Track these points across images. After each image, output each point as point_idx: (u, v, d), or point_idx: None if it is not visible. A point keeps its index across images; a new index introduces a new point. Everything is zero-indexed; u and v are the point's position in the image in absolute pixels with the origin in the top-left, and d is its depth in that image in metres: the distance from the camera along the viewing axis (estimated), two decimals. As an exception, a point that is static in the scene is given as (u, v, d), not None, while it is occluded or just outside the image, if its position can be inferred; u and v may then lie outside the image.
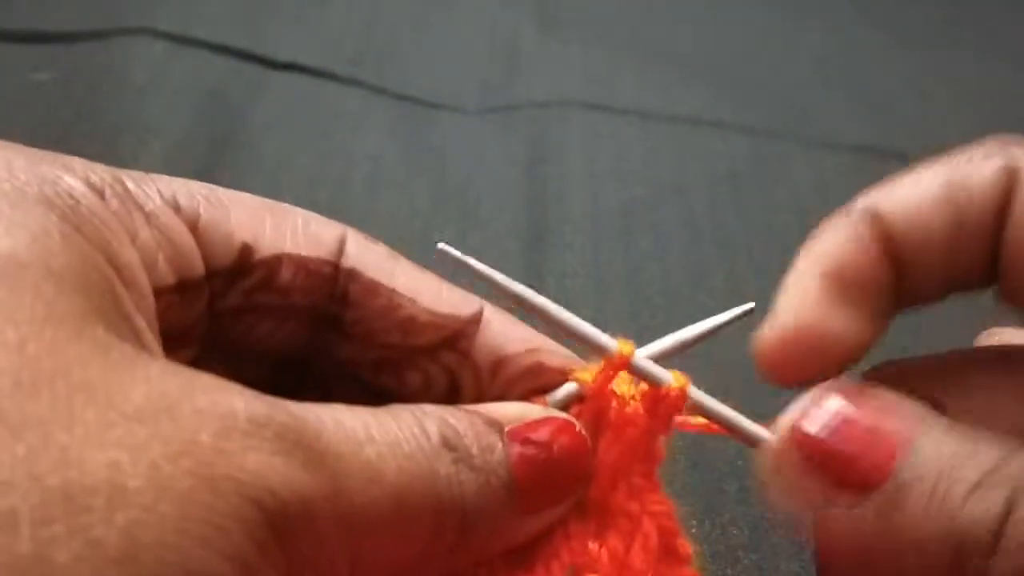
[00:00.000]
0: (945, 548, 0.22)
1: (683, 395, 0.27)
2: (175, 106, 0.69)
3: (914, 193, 0.27)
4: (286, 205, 0.27)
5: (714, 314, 0.30)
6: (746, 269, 0.64)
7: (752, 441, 0.27)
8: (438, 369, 0.28)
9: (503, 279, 0.27)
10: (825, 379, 0.26)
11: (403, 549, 0.22)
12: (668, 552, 0.27)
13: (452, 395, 0.28)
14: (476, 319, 0.28)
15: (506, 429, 0.25)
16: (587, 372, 0.28)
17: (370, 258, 0.27)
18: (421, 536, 0.22)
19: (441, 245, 0.27)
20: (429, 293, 0.28)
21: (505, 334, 0.28)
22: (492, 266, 0.28)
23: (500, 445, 0.24)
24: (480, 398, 0.28)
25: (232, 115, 0.70)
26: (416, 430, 0.22)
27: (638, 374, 0.27)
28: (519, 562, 0.26)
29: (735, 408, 0.28)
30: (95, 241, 0.21)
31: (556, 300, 0.29)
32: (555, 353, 0.29)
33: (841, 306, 0.27)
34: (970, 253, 0.26)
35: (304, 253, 0.26)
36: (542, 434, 0.25)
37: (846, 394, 0.25)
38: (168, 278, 0.24)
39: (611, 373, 0.27)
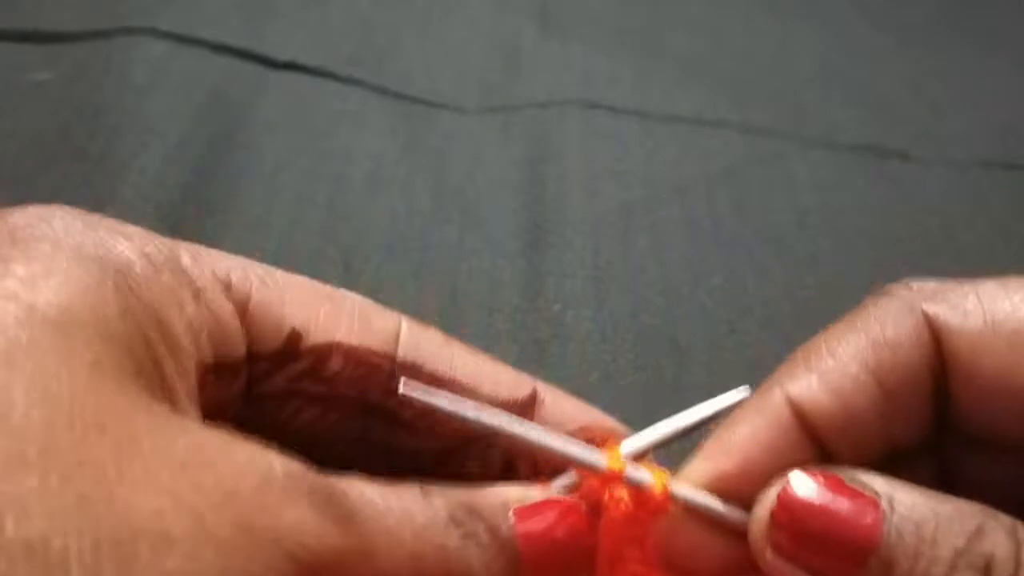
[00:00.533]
0: None
1: (665, 495, 0.27)
2: (176, 105, 0.69)
3: (835, 378, 0.25)
4: (344, 291, 0.27)
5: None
6: (745, 269, 0.64)
7: (742, 530, 0.26)
8: (496, 453, 0.29)
9: (476, 413, 0.26)
10: None
11: None
12: None
13: (507, 476, 0.29)
14: (532, 399, 0.29)
15: (512, 509, 0.25)
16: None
17: (427, 349, 0.28)
18: None
19: (403, 389, 0.25)
20: (487, 379, 0.28)
21: (557, 413, 0.29)
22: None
23: (506, 524, 0.24)
24: (534, 477, 0.28)
25: (232, 114, 0.70)
26: (424, 504, 0.23)
27: (631, 484, 0.27)
28: None
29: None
30: (145, 305, 0.22)
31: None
32: (607, 429, 0.29)
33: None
34: (907, 422, 0.26)
35: (356, 343, 0.26)
36: (548, 515, 0.25)
37: (813, 481, 0.24)
38: (207, 357, 0.24)
39: (603, 486, 0.27)
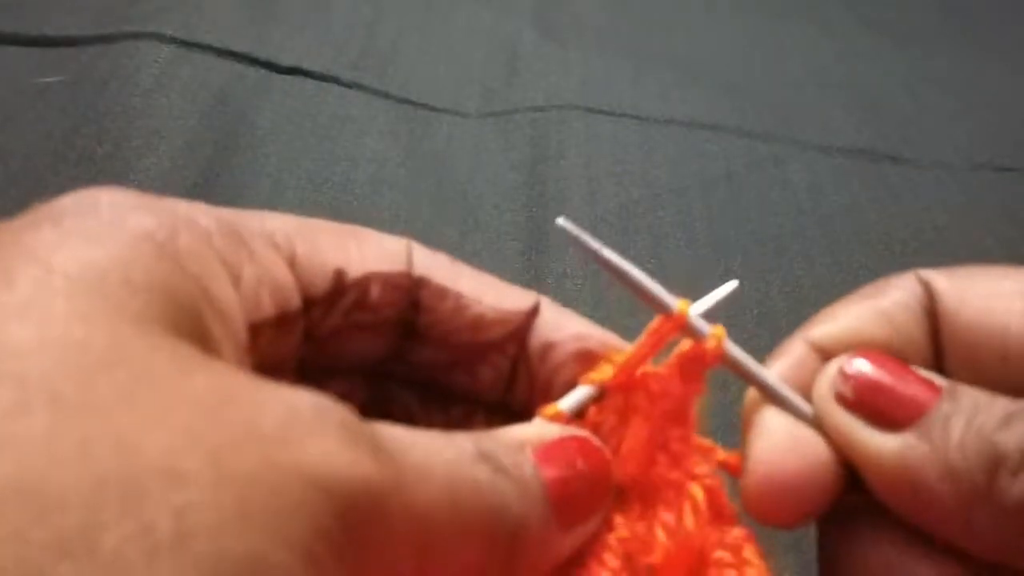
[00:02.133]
0: (982, 466, 0.24)
1: (719, 350, 0.28)
2: (181, 109, 0.69)
3: (848, 319, 0.29)
4: (357, 227, 0.29)
5: (710, 312, 0.31)
6: (742, 270, 0.65)
7: (780, 400, 0.28)
8: (504, 360, 0.30)
9: (599, 248, 0.28)
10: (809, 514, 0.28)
11: (461, 559, 0.22)
12: (717, 513, 0.27)
13: (510, 383, 0.30)
14: (535, 311, 0.30)
15: (530, 449, 0.25)
16: (600, 373, 0.28)
17: (435, 265, 0.29)
18: (476, 546, 0.22)
19: (560, 222, 0.28)
20: (491, 291, 0.29)
21: (555, 322, 0.30)
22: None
23: (529, 462, 0.24)
24: (531, 383, 0.30)
25: (237, 118, 0.70)
26: (448, 441, 0.23)
27: (690, 333, 0.29)
28: (569, 571, 0.26)
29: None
30: (189, 272, 0.22)
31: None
32: (604, 341, 0.30)
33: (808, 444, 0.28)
34: (913, 355, 0.28)
35: (386, 269, 0.28)
36: (566, 452, 0.26)
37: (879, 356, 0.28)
38: (269, 312, 0.25)
39: (663, 335, 0.29)
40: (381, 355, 0.29)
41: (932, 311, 0.28)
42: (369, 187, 0.67)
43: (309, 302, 0.26)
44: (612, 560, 0.26)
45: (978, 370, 0.27)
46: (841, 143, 0.78)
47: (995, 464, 0.24)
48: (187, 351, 0.19)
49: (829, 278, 0.65)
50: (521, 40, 0.86)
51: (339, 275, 0.27)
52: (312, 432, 0.18)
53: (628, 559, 0.26)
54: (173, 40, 0.74)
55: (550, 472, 0.25)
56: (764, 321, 0.60)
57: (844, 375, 0.27)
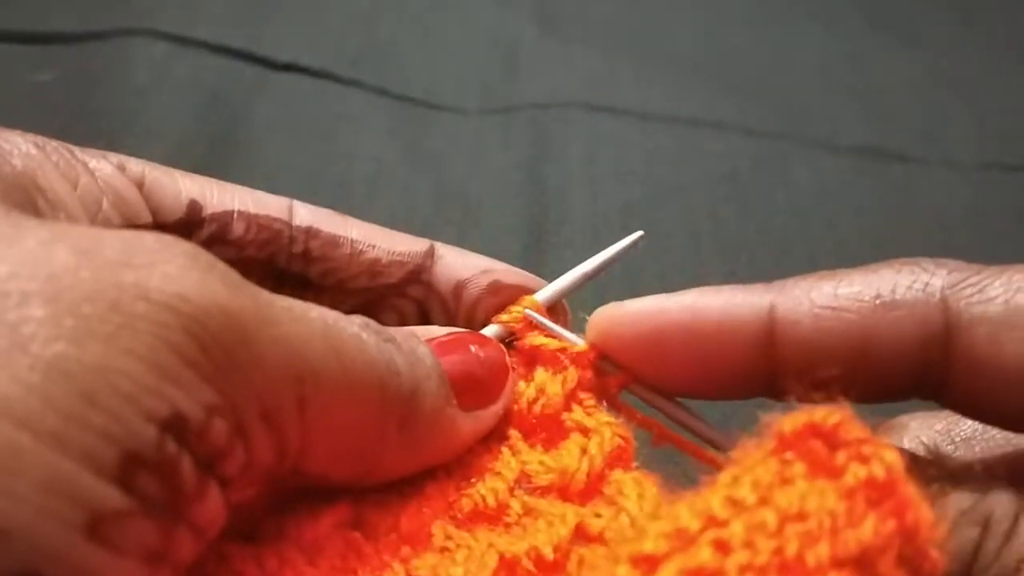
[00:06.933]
0: None
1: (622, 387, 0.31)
2: (175, 107, 0.69)
3: (823, 311, 0.28)
4: (238, 186, 0.30)
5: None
6: (745, 269, 0.64)
7: (694, 429, 0.29)
8: (408, 304, 0.31)
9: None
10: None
11: (352, 411, 0.22)
12: (620, 454, 0.29)
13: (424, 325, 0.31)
14: (431, 252, 0.31)
15: (420, 335, 0.27)
16: (510, 316, 0.31)
17: (322, 217, 0.30)
18: (365, 398, 0.23)
19: (528, 311, 0.30)
20: (384, 238, 0.31)
21: (459, 261, 0.32)
22: None
23: (420, 342, 0.26)
24: (451, 323, 0.31)
25: (232, 116, 0.70)
26: (336, 313, 0.23)
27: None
28: (467, 477, 0.28)
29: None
30: (18, 171, 0.23)
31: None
32: (510, 271, 0.31)
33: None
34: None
35: (254, 211, 0.29)
36: (461, 341, 0.28)
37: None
38: (115, 220, 0.26)
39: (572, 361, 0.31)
40: None
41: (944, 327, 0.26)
42: (367, 186, 0.67)
43: (161, 226, 0.28)
44: (508, 472, 0.28)
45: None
46: (847, 142, 0.77)
47: None
48: (22, 215, 0.20)
49: (835, 278, 0.64)
50: (522, 35, 0.85)
51: (194, 206, 0.28)
52: (155, 257, 0.19)
53: (524, 478, 0.28)
54: (167, 37, 0.73)
55: (448, 357, 0.26)
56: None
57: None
